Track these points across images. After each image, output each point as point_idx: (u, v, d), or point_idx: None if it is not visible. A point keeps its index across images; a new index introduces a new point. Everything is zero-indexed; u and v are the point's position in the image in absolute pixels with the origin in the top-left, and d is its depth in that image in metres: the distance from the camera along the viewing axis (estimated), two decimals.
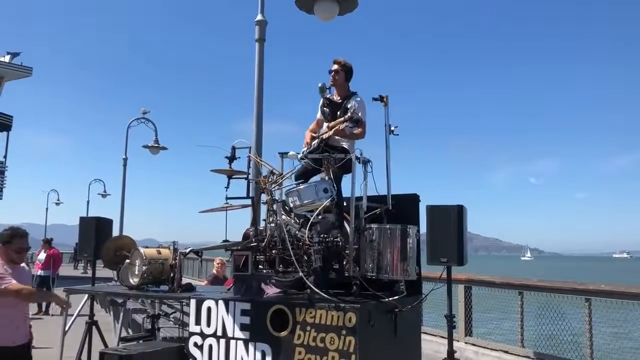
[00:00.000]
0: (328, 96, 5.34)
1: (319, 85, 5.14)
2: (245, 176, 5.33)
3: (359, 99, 5.23)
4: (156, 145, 17.52)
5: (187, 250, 5.40)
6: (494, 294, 8.58)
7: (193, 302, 4.69)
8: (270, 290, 4.72)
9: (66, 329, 6.80)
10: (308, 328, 4.08)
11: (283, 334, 4.19)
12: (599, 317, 6.92)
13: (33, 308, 13.07)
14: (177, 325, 6.86)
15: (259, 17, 7.18)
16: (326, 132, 5.10)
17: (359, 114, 4.95)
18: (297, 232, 4.74)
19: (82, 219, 7.72)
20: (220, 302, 4.51)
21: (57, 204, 38.88)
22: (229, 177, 5.28)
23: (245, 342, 4.32)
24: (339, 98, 5.35)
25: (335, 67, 5.29)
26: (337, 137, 5.12)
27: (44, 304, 13.33)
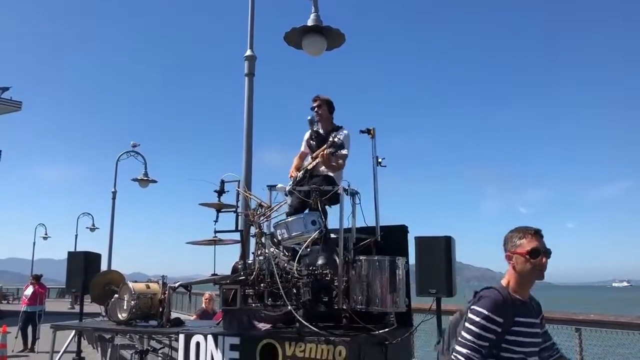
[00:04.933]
0: (316, 129, 5.49)
1: (309, 118, 5.43)
2: (234, 209, 5.36)
3: (343, 131, 5.38)
4: (145, 178, 17.48)
5: (176, 285, 5.37)
6: None
7: (182, 337, 4.66)
8: (262, 325, 4.70)
9: None
10: None
11: None
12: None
13: (18, 345, 12.81)
14: None
15: (248, 52, 7.30)
16: (310, 163, 5.27)
17: (342, 139, 5.09)
18: (286, 264, 4.75)
19: (70, 253, 7.67)
20: (209, 337, 4.48)
21: (44, 238, 38.23)
22: (218, 211, 5.30)
23: None
24: (323, 131, 5.49)
25: (317, 102, 5.51)
26: (320, 167, 5.27)
27: (29, 341, 13.07)
